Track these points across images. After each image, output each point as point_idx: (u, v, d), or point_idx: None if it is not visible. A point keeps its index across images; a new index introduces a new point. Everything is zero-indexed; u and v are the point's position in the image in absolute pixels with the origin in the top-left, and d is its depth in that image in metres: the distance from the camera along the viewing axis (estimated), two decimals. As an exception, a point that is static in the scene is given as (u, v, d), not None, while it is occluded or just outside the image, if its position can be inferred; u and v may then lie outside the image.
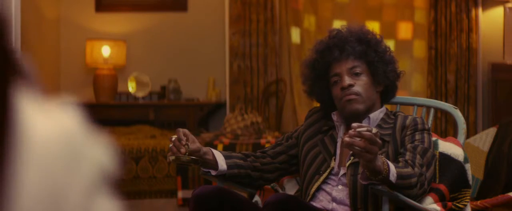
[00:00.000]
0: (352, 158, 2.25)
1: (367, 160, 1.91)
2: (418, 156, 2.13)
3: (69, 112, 0.59)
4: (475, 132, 5.32)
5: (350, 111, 2.26)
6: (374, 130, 1.88)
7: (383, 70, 2.29)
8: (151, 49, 5.89)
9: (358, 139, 1.88)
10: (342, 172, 2.27)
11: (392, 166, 2.00)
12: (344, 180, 2.26)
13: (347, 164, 2.25)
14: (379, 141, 1.91)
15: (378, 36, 2.33)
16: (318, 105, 2.49)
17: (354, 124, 1.91)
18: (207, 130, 5.68)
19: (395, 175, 2.00)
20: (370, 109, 2.29)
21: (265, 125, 5.30)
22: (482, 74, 5.60)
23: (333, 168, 2.29)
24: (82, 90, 5.86)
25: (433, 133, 2.35)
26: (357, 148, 1.88)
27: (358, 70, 2.27)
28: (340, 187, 2.26)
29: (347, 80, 2.25)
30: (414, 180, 2.06)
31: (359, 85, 2.26)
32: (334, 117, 2.34)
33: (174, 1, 5.85)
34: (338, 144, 2.32)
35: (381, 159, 1.96)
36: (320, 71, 2.33)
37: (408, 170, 2.06)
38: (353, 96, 2.25)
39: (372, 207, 2.19)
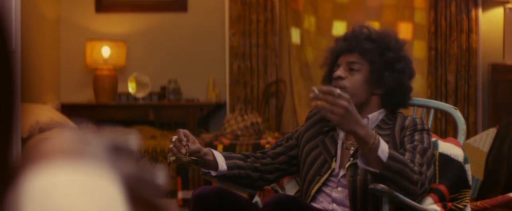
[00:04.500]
0: (351, 159, 2.24)
1: (338, 122, 1.95)
2: (417, 156, 2.13)
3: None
4: (475, 133, 5.33)
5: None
6: (337, 91, 1.93)
7: (381, 76, 2.26)
8: (151, 49, 5.89)
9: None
10: (341, 173, 2.27)
11: (384, 144, 1.99)
12: (343, 181, 2.25)
13: (347, 165, 2.24)
14: (341, 101, 1.92)
15: (398, 44, 2.31)
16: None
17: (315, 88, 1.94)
18: (207, 130, 5.68)
19: (386, 154, 1.98)
20: (360, 109, 2.25)
21: (265, 126, 5.30)
22: (482, 75, 5.60)
23: (334, 169, 2.29)
24: (82, 91, 5.86)
25: (433, 133, 2.35)
26: (325, 110, 1.93)
27: (356, 66, 2.27)
28: (339, 188, 2.25)
29: (339, 72, 2.26)
30: (416, 177, 2.05)
31: (350, 81, 2.25)
32: (336, 118, 2.33)
33: (174, 1, 5.85)
34: (339, 145, 2.32)
35: (368, 132, 1.96)
36: (331, 59, 2.35)
37: (404, 158, 2.05)
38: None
39: (372, 208, 2.19)
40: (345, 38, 2.33)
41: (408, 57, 2.33)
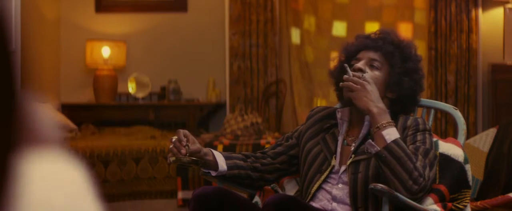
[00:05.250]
0: (353, 156, 2.25)
1: (353, 96, 2.16)
2: (420, 157, 2.13)
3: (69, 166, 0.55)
4: (475, 133, 5.32)
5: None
6: (367, 75, 2.22)
7: (401, 80, 2.28)
8: (151, 49, 5.89)
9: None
10: (342, 169, 2.27)
11: (394, 131, 2.10)
12: (344, 178, 2.26)
13: (349, 162, 2.25)
14: (361, 81, 2.16)
15: (417, 56, 2.35)
16: (319, 105, 2.50)
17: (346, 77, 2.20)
18: (207, 130, 5.68)
19: (392, 138, 2.08)
20: None
21: (265, 126, 5.30)
22: (482, 75, 5.60)
23: (334, 166, 2.29)
24: (82, 91, 5.86)
25: (433, 133, 2.35)
26: (348, 90, 2.18)
27: (376, 64, 2.30)
28: (340, 185, 2.26)
29: (361, 65, 2.29)
30: (417, 176, 2.06)
31: (369, 76, 2.26)
32: (339, 114, 2.35)
33: (174, 1, 5.85)
34: (339, 142, 2.32)
35: (382, 113, 2.12)
36: (349, 54, 2.37)
37: (410, 153, 2.09)
38: None
39: (373, 207, 2.19)
40: (368, 36, 2.37)
41: (423, 71, 2.39)
